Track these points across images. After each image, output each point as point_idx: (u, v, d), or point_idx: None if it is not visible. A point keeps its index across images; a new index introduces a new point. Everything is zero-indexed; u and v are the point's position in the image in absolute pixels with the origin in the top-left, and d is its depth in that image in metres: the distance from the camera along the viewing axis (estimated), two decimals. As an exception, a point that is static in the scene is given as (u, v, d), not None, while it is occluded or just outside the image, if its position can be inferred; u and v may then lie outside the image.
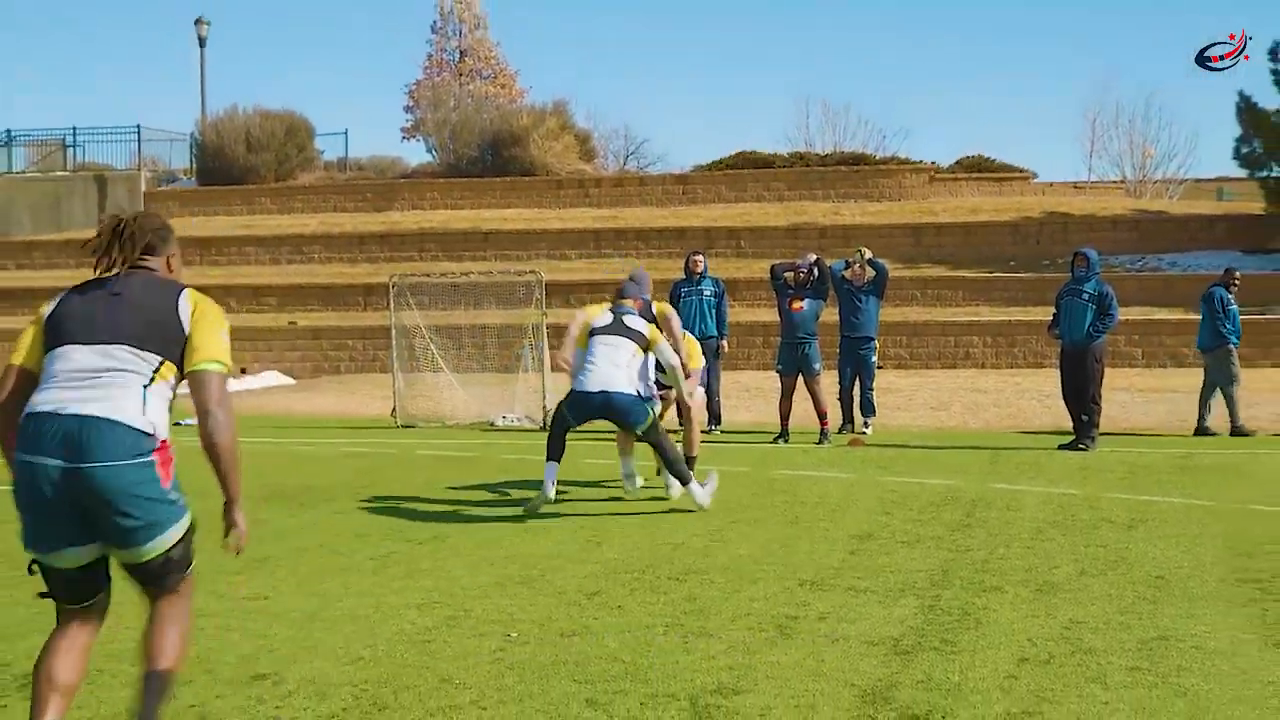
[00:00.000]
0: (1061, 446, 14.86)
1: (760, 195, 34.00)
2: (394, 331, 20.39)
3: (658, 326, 10.85)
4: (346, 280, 31.17)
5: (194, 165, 39.73)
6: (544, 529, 9.60)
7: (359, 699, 5.45)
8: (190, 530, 4.79)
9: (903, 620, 6.70)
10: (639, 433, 10.33)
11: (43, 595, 4.69)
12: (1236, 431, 16.45)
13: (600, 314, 10.69)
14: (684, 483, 10.38)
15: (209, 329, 4.70)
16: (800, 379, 16.08)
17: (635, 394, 10.28)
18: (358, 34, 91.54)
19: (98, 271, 4.75)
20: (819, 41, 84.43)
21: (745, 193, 34.15)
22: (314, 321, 29.69)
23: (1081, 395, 14.99)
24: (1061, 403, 15.66)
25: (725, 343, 17.71)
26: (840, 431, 16.61)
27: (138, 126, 39.93)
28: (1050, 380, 17.31)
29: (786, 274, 16.36)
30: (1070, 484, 11.88)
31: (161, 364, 4.64)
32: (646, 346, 10.52)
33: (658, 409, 10.84)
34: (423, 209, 35.32)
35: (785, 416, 16.07)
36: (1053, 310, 15.64)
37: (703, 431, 17.01)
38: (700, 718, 5.17)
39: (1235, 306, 17.30)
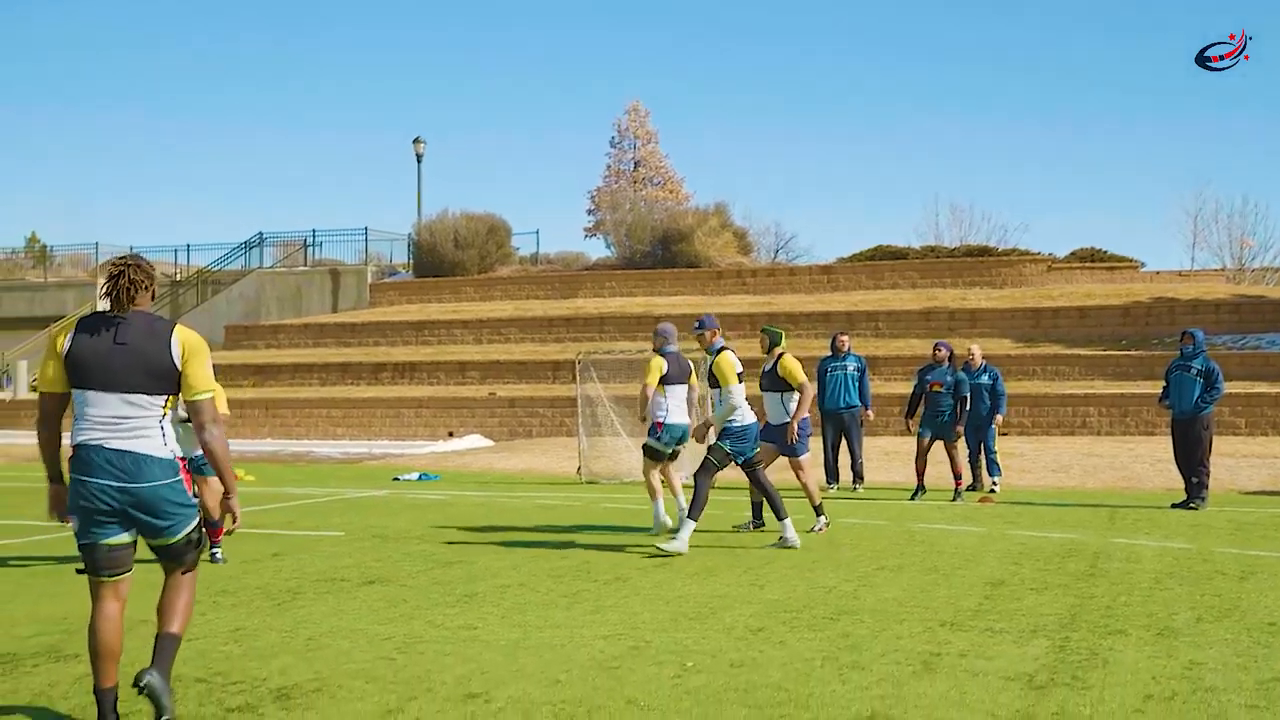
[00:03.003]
0: (1174, 505, 14.33)
1: (896, 283, 33.68)
2: (579, 401, 20.58)
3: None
4: (538, 357, 31.57)
5: (411, 260, 40.71)
6: (711, 573, 9.54)
7: (558, 716, 5.44)
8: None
9: (1036, 658, 6.48)
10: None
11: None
12: None
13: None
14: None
15: (198, 364, 5.18)
16: (940, 444, 15.82)
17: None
18: (549, 148, 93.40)
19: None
20: (949, 147, 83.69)
21: (883, 281, 33.86)
22: (510, 392, 30.10)
23: (1191, 460, 14.47)
24: (1174, 466, 15.12)
25: (870, 412, 17.55)
26: (970, 489, 16.32)
27: (365, 229, 41.20)
28: (1161, 446, 16.76)
29: (930, 382, 16.16)
30: (1184, 539, 11.44)
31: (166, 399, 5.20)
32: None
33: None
34: (603, 296, 35.69)
35: (921, 473, 15.77)
36: (1163, 383, 15.15)
37: (843, 488, 16.83)
38: (857, 741, 5.05)
39: None
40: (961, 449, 16.13)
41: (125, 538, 5.19)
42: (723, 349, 11.12)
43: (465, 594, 8.57)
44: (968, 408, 15.85)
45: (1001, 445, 17.08)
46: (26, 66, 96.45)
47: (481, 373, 31.60)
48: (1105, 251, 34.12)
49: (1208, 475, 14.46)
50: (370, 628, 7.41)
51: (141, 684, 5.06)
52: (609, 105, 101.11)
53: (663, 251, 37.36)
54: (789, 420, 11.89)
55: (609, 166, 56.52)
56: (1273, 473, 17.84)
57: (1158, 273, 34.26)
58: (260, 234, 42.40)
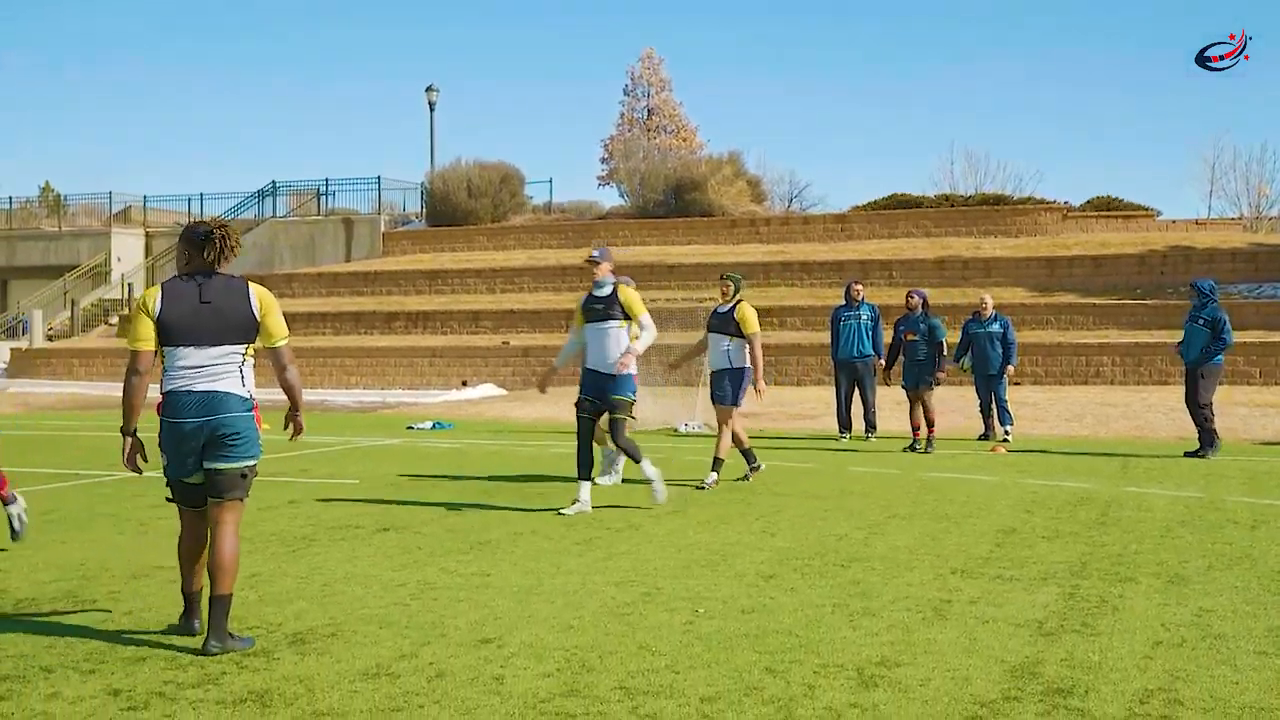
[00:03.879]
0: (1188, 454, 14.34)
1: (910, 232, 33.54)
2: (592, 350, 20.54)
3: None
4: (551, 306, 31.56)
5: (424, 209, 40.62)
6: (723, 521, 9.58)
7: (570, 661, 5.49)
8: None
9: (1046, 605, 6.52)
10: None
11: None
12: None
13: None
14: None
15: (274, 315, 5.94)
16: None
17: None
18: (562, 96, 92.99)
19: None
20: (965, 95, 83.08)
21: (897, 230, 33.72)
22: (523, 341, 30.14)
23: (1193, 407, 14.51)
24: (1187, 414, 15.12)
25: (882, 360, 17.49)
26: (982, 438, 16.36)
27: (378, 178, 41.05)
28: (1175, 395, 16.73)
29: (904, 332, 16.03)
30: (1196, 488, 11.45)
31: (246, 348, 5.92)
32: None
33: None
34: (616, 244, 35.58)
35: (916, 426, 15.71)
36: (1182, 331, 15.19)
37: (858, 437, 16.86)
38: (866, 685, 5.09)
39: None
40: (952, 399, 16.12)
41: (202, 477, 5.92)
42: (618, 283, 10.25)
43: (478, 541, 8.63)
44: (944, 353, 15.75)
45: (1015, 394, 17.10)
46: (37, 17, 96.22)
47: (495, 322, 31.63)
48: (1121, 200, 33.92)
49: (1209, 421, 14.41)
50: (384, 574, 7.48)
51: (211, 652, 5.58)
52: (622, 53, 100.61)
53: (676, 200, 37.24)
54: (729, 367, 11.66)
55: (622, 114, 56.15)
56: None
57: (1174, 221, 34.04)
58: (273, 183, 42.36)
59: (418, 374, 30.18)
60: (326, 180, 41.99)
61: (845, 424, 17.35)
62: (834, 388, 17.79)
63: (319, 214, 41.13)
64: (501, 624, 6.18)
